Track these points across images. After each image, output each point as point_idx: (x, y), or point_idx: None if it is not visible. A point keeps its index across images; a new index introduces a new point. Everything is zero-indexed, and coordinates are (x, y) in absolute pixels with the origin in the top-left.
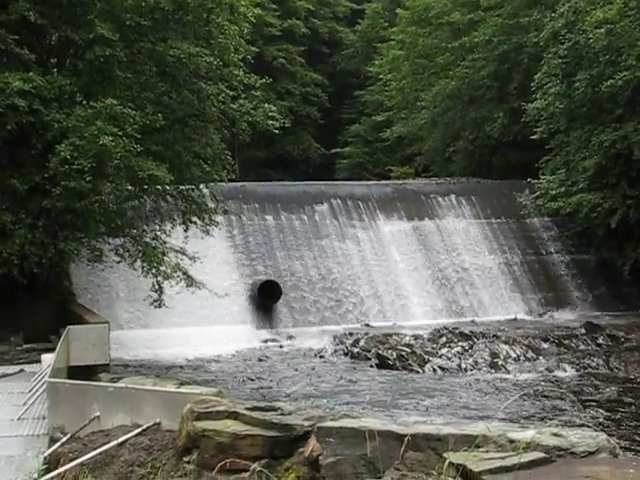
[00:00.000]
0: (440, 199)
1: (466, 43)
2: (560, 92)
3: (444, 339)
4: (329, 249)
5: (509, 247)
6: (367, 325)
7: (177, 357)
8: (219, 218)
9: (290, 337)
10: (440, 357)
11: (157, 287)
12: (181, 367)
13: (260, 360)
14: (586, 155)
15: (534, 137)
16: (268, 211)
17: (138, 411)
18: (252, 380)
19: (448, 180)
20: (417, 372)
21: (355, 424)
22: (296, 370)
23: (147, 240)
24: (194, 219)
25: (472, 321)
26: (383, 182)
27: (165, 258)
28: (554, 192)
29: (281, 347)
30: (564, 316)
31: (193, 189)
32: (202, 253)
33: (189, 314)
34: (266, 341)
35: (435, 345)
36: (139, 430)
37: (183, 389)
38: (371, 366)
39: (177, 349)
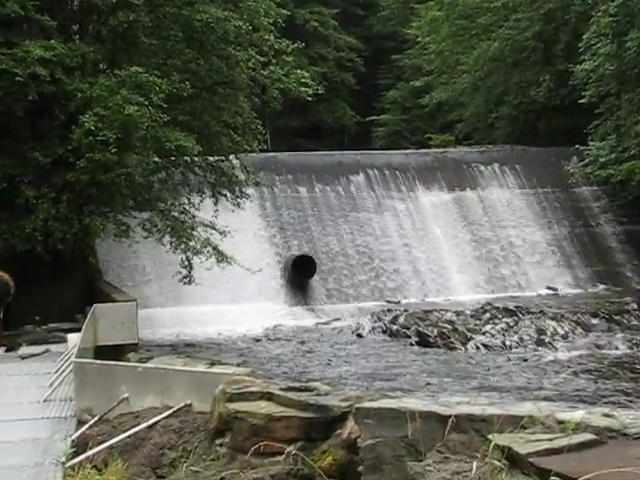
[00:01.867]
0: (482, 168)
1: (509, 2)
2: (610, 53)
3: (487, 315)
4: (366, 222)
5: (556, 218)
6: (409, 301)
7: (208, 336)
8: (250, 190)
9: (325, 314)
10: (483, 334)
11: (186, 263)
12: (212, 346)
13: (294, 338)
14: (638, 119)
15: (582, 101)
16: (301, 183)
17: (168, 392)
18: (286, 360)
19: (491, 148)
20: (459, 350)
21: (395, 405)
22: (332, 348)
23: (175, 214)
24: (224, 192)
25: (517, 297)
26: (422, 151)
27: (194, 233)
28: (604, 159)
29: (316, 325)
30: (615, 290)
31: (223, 160)
32: (233, 227)
33: (220, 291)
34: (300, 318)
35: (478, 322)
36: (169, 412)
37: (214, 369)
38: (411, 344)
39: (208, 327)
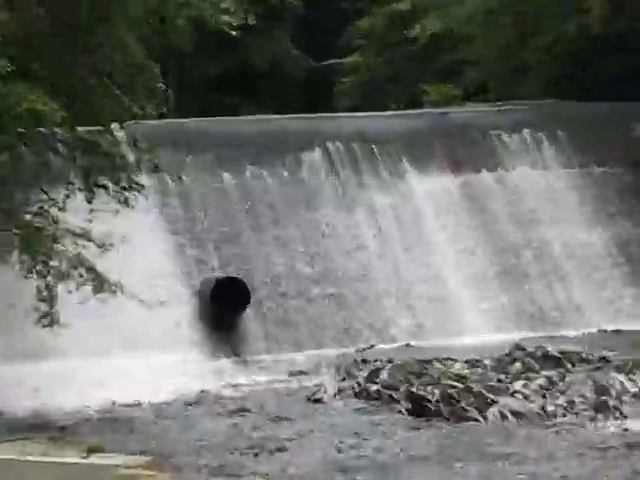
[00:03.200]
0: (506, 137)
1: None
2: None
3: (518, 366)
4: (327, 225)
5: (621, 213)
6: (393, 345)
7: (82, 407)
8: (145, 179)
9: (265, 369)
10: (512, 395)
11: (46, 293)
12: (90, 423)
13: (216, 408)
14: None
15: None
16: (226, 165)
17: None
18: (204, 442)
19: (518, 105)
20: (476, 421)
21: None
22: (275, 424)
23: (27, 217)
24: (104, 181)
25: (561, 336)
26: (412, 112)
27: (58, 246)
28: None
29: (251, 386)
30: None
31: (100, 132)
32: (119, 237)
33: (100, 337)
34: (225, 377)
35: (504, 376)
36: None
37: (93, 459)
38: (400, 412)
39: (82, 393)
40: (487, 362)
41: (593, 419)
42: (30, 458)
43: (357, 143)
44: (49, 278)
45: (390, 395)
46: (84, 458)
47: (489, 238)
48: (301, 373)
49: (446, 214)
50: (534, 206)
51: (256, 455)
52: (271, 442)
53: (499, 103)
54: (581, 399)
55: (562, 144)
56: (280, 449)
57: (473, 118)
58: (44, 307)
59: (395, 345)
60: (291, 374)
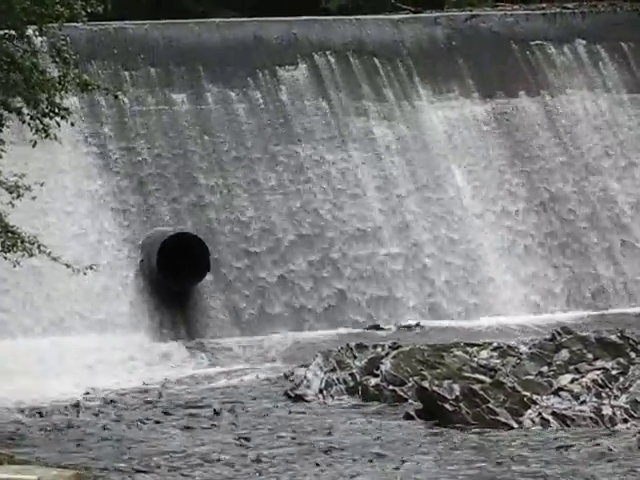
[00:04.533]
0: (553, 50)
1: None
2: None
3: (564, 354)
4: (312, 166)
5: None
6: (397, 327)
7: None
8: (71, 101)
9: (229, 357)
10: (557, 394)
11: None
12: (2, 425)
13: (161, 408)
14: None
15: None
16: (178, 84)
17: None
18: (139, 455)
19: (569, 8)
20: (508, 428)
21: None
22: (243, 432)
23: None
24: (16, 103)
25: (621, 315)
26: (427, 15)
27: None
28: None
29: (210, 379)
30: None
31: (13, 37)
32: (36, 179)
33: (14, 312)
34: (176, 366)
35: (546, 368)
36: None
37: (3, 473)
38: (408, 417)
39: None
40: (523, 349)
41: None
42: None
43: (354, 56)
44: None
45: (394, 392)
46: None
47: (528, 187)
48: (276, 361)
49: (471, 153)
50: (589, 143)
51: (202, 471)
52: (225, 454)
53: (544, 5)
54: None
55: (627, 60)
56: (235, 465)
57: (509, 25)
58: None
59: (401, 325)
60: (264, 362)
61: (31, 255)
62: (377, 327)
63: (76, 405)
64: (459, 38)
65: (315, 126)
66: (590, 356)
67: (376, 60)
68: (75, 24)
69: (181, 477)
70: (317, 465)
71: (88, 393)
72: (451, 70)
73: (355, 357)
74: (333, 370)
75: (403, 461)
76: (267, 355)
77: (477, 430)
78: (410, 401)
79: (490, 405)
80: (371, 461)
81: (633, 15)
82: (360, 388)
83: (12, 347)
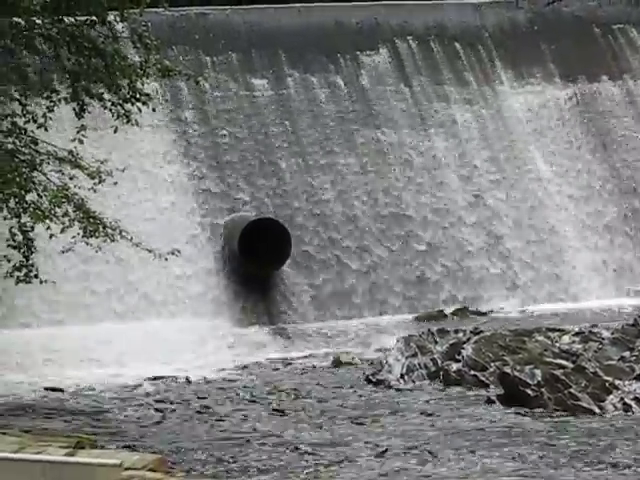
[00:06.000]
0: (635, 34)
1: None
2: None
3: None
4: (393, 150)
5: None
6: (478, 313)
7: (69, 386)
8: (152, 87)
9: (311, 342)
10: (639, 379)
11: (21, 239)
12: (79, 408)
13: (246, 392)
14: None
15: None
16: (259, 70)
17: None
18: (231, 436)
19: None
20: (590, 413)
21: None
22: (323, 415)
23: None
24: (97, 89)
25: None
26: None
27: (36, 175)
28: None
29: (292, 363)
30: None
31: (94, 23)
32: (117, 165)
33: (94, 296)
34: (260, 351)
35: (628, 353)
36: None
37: (82, 457)
38: (490, 400)
39: (68, 369)
40: (605, 334)
41: None
42: (2, 455)
43: (435, 41)
44: (25, 217)
45: (476, 377)
46: (71, 455)
47: (613, 173)
48: (358, 346)
49: (554, 138)
50: None
51: (290, 453)
52: (308, 436)
53: None
54: None
55: None
56: (316, 450)
57: (591, 9)
58: (19, 256)
59: (483, 310)
60: (345, 346)
61: (113, 240)
62: (455, 312)
63: (158, 386)
64: (541, 22)
65: (396, 111)
66: None
67: (457, 45)
68: (156, 9)
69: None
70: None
71: (169, 375)
72: (533, 54)
73: (436, 342)
74: (414, 355)
75: (474, 440)
76: (349, 341)
77: (558, 415)
78: (492, 386)
79: (572, 390)
80: (446, 438)
81: None
82: (441, 373)
83: (77, 333)
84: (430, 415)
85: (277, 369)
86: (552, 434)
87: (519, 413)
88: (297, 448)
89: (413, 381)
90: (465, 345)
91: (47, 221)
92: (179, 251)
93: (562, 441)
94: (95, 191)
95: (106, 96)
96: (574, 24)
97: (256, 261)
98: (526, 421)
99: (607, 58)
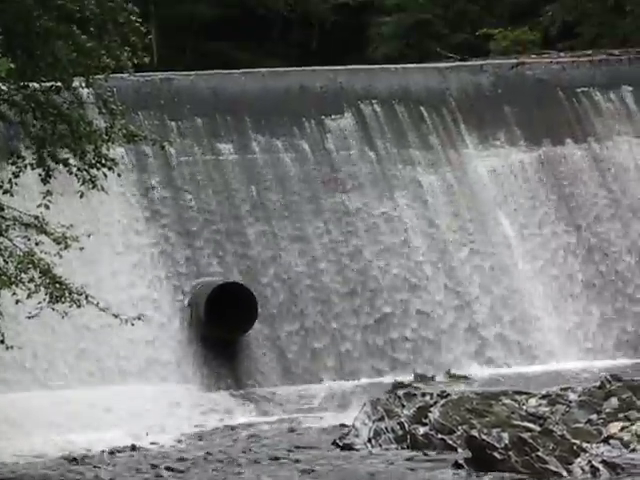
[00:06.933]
0: (599, 97)
1: None
2: None
3: (614, 402)
4: (359, 215)
5: None
6: (447, 376)
7: (35, 457)
8: (118, 152)
9: (278, 406)
10: (606, 442)
11: None
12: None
13: (212, 459)
14: None
15: None
16: (225, 134)
17: None
18: None
19: (616, 55)
20: (558, 476)
21: None
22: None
23: None
24: (63, 154)
25: None
26: (473, 63)
27: (2, 240)
28: None
29: (257, 428)
30: None
31: (59, 89)
32: (82, 230)
33: (58, 364)
34: (224, 414)
35: (595, 416)
36: None
37: None
38: (457, 466)
39: (32, 438)
40: (572, 397)
41: None
42: None
43: (400, 105)
44: None
45: (444, 440)
46: None
47: (577, 236)
48: (325, 410)
49: (519, 202)
50: (637, 190)
51: None
52: None
53: (590, 52)
54: None
55: None
56: None
57: (555, 72)
58: None
59: (448, 375)
60: (311, 411)
61: (79, 306)
62: (424, 376)
63: (122, 458)
64: (505, 85)
65: (361, 176)
66: None
67: (422, 109)
68: (121, 75)
69: None
70: None
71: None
72: (497, 118)
73: (403, 406)
74: (381, 419)
75: None
76: (315, 404)
77: (526, 478)
78: (459, 450)
79: (539, 453)
80: None
81: None
82: (409, 437)
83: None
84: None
85: (245, 434)
86: None
87: (487, 477)
88: None
89: (380, 445)
90: (432, 408)
91: (13, 287)
92: (144, 315)
93: None
94: (61, 257)
95: (72, 161)
96: (538, 87)
97: (223, 325)
98: None
99: (571, 121)
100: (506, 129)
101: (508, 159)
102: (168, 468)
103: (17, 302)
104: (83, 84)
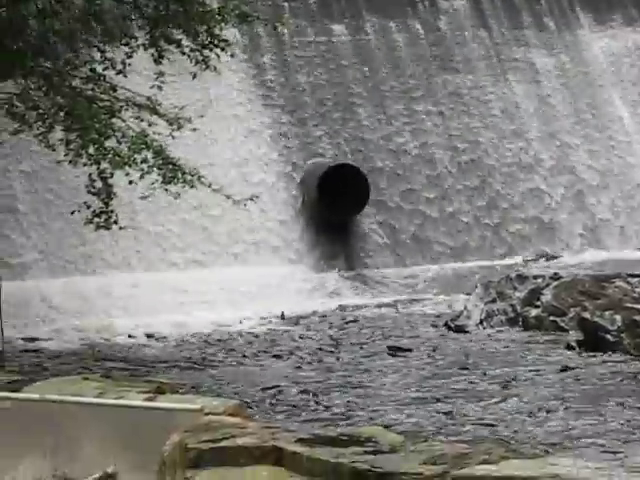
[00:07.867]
0: None
1: None
2: None
3: None
4: (470, 97)
5: None
6: (554, 257)
7: (148, 333)
8: (232, 33)
9: (388, 288)
10: None
11: (100, 185)
12: (156, 356)
13: (322, 337)
14: None
15: None
16: (338, 15)
17: (68, 450)
18: (307, 381)
19: None
20: None
21: (534, 471)
22: (399, 360)
23: (75, 82)
24: (177, 36)
25: None
26: None
27: (115, 121)
28: None
29: (368, 309)
30: None
31: None
32: (196, 111)
33: (172, 244)
34: (336, 296)
35: None
36: None
37: (162, 402)
38: (569, 346)
39: (146, 317)
40: None
41: None
42: (80, 399)
43: None
44: (104, 164)
45: (555, 322)
46: (151, 400)
47: None
48: (437, 292)
49: (633, 83)
50: None
51: (366, 397)
52: (385, 380)
53: None
54: None
55: None
56: (394, 394)
57: None
58: (98, 203)
59: (564, 257)
60: (422, 293)
61: (192, 187)
62: (536, 259)
63: (241, 335)
64: None
65: (474, 56)
66: None
67: None
68: None
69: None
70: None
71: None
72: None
73: (515, 288)
74: (493, 301)
75: (553, 383)
76: (427, 286)
77: (638, 359)
78: (571, 332)
79: None
80: (524, 383)
81: None
82: (521, 319)
83: (155, 280)
84: (498, 357)
85: (358, 312)
86: (624, 378)
87: (599, 358)
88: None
89: (492, 327)
90: (544, 291)
91: (126, 167)
92: (257, 197)
93: (633, 384)
94: (174, 138)
95: (184, 42)
96: None
97: (334, 207)
98: (604, 365)
99: None
100: (622, 10)
101: (624, 40)
102: (263, 339)
103: (130, 183)
104: None
